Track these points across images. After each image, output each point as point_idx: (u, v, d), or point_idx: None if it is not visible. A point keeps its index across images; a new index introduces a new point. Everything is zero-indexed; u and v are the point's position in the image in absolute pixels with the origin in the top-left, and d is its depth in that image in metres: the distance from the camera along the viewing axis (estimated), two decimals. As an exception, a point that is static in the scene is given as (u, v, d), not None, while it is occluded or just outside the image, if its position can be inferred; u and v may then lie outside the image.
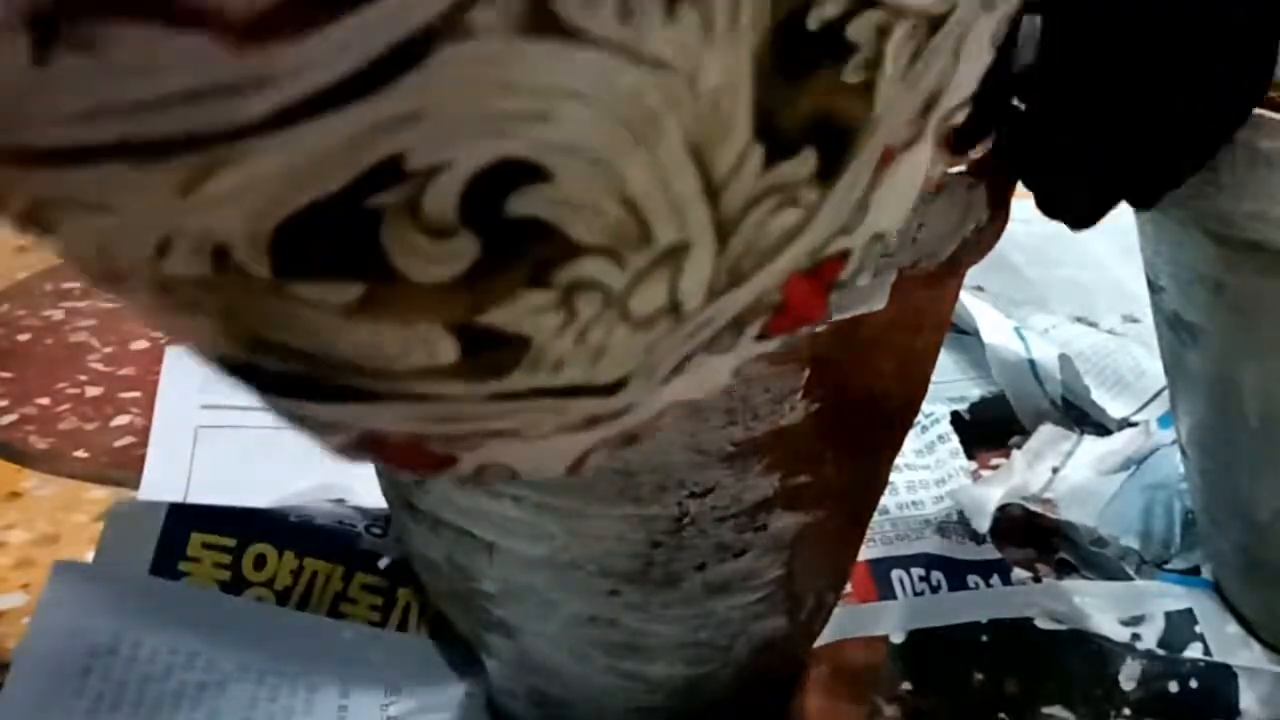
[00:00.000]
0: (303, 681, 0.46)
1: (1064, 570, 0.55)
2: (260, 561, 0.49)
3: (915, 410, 0.44)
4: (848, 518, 0.44)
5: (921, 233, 0.34)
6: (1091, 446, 0.61)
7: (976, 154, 0.35)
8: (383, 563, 0.50)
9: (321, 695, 0.46)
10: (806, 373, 0.36)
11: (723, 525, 0.38)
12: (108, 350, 0.74)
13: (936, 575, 0.54)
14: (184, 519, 0.49)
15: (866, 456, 0.42)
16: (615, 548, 0.39)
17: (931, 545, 0.56)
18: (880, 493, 0.45)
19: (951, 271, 0.36)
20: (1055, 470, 0.60)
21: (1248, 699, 0.48)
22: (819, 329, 0.33)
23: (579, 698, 0.44)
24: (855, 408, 0.39)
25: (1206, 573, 0.54)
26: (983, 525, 0.56)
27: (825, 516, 0.41)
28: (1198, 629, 0.51)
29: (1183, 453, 0.53)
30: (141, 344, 0.75)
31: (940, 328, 0.42)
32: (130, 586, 0.47)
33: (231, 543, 0.49)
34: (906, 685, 0.48)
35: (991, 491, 0.58)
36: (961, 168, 0.35)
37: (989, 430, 0.66)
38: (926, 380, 0.43)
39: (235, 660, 0.46)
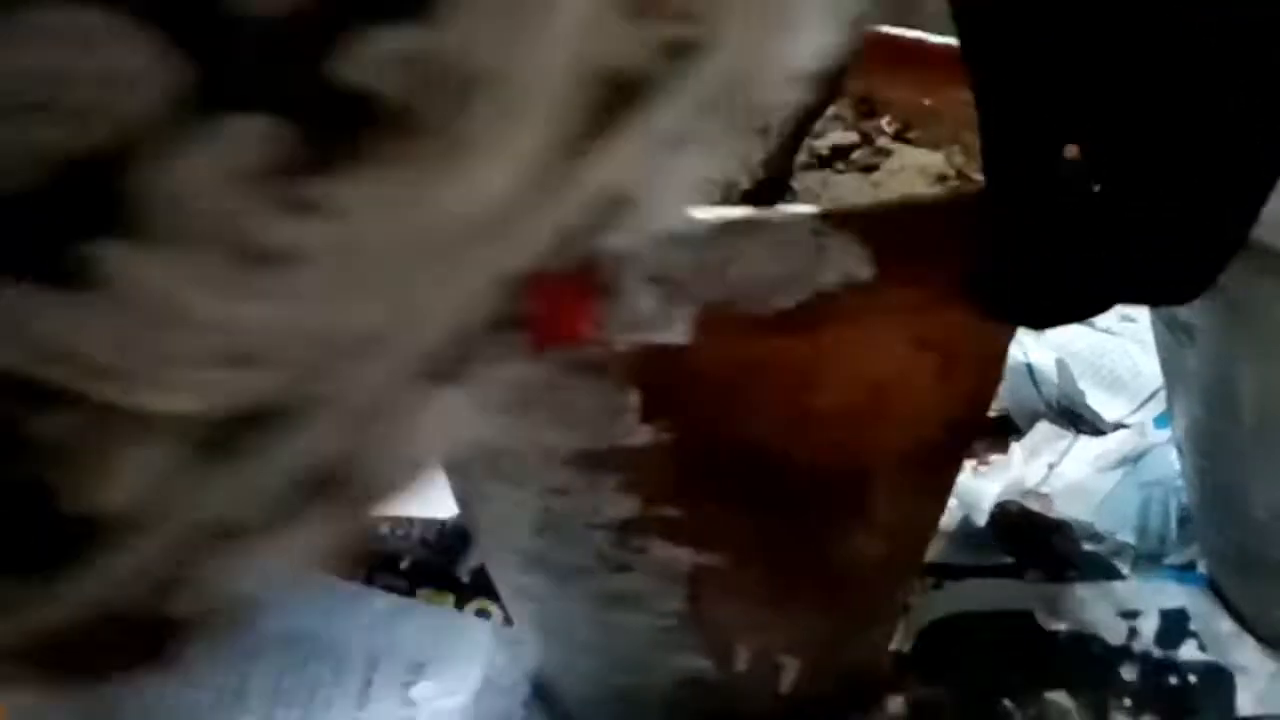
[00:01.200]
0: (331, 651, 0.47)
1: (1061, 567, 0.55)
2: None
3: (849, 488, 0.39)
4: (777, 581, 0.41)
5: (732, 270, 0.32)
6: (1088, 444, 0.62)
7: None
8: (404, 564, 0.52)
9: (349, 667, 0.46)
10: (634, 394, 0.35)
11: (594, 533, 0.39)
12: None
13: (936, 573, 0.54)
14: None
15: (779, 518, 0.39)
16: (514, 527, 0.41)
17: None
18: (830, 573, 0.41)
19: (812, 323, 0.33)
20: (1052, 466, 0.60)
21: (1244, 694, 0.48)
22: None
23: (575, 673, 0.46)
24: (731, 456, 0.37)
25: (1202, 569, 0.54)
26: (980, 520, 0.56)
27: (732, 565, 0.39)
28: (1192, 625, 0.51)
29: (1179, 451, 0.53)
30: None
31: (853, 391, 0.37)
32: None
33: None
34: (910, 680, 0.49)
35: (989, 486, 0.58)
36: (812, 209, 0.32)
37: (988, 429, 0.66)
38: (855, 451, 0.38)
39: (266, 626, 0.47)
